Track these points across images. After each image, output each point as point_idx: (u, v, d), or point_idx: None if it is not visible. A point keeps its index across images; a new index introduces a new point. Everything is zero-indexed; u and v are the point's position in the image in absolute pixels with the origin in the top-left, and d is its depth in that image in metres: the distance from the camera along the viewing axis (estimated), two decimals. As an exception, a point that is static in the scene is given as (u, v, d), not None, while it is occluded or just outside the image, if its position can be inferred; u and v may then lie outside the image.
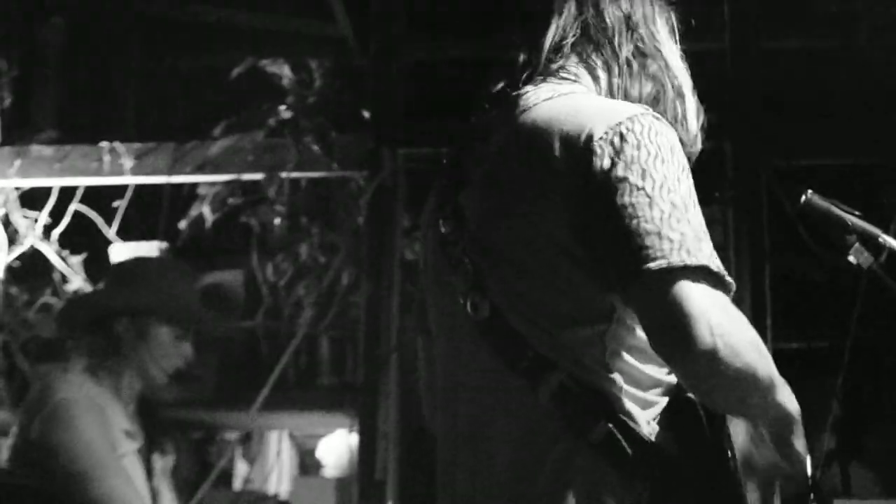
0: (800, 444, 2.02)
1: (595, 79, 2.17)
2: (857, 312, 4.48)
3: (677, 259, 1.84)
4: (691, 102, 2.21)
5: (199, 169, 5.12)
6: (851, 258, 2.50)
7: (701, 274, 1.85)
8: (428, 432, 2.40)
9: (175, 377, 3.80)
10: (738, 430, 2.08)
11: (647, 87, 2.17)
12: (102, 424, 3.55)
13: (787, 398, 1.97)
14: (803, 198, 2.43)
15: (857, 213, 2.45)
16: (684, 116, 2.19)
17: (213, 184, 5.15)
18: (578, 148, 1.95)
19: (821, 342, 4.59)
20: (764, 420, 2.00)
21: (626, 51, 2.17)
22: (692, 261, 1.85)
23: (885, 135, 4.75)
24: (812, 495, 3.97)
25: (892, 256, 2.49)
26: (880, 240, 2.47)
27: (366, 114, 5.00)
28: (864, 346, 4.71)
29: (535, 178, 2.00)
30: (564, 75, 2.16)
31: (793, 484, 2.07)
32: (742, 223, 4.60)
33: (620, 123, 1.96)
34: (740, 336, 1.85)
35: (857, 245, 2.47)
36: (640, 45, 2.19)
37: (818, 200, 2.44)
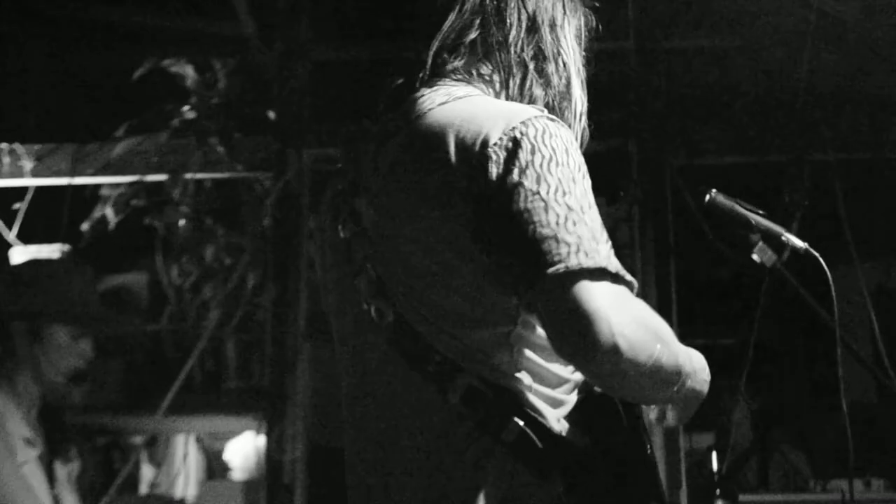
0: (694, 406, 2.08)
1: (490, 80, 2.16)
2: (761, 310, 4.54)
3: (574, 262, 1.84)
4: (581, 105, 2.20)
5: (102, 170, 5.07)
6: (755, 257, 2.53)
7: (600, 275, 1.85)
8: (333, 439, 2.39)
9: (76, 379, 3.75)
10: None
11: (544, 90, 2.16)
12: (1, 432, 3.49)
13: (697, 383, 2.00)
14: (707, 197, 2.45)
15: (760, 211, 2.48)
16: (577, 118, 2.19)
17: (116, 185, 5.10)
18: (474, 154, 1.94)
19: (725, 339, 4.64)
20: (672, 405, 2.06)
21: (525, 52, 2.16)
22: (589, 263, 1.85)
23: (787, 133, 4.80)
24: (718, 490, 4.03)
25: (795, 254, 2.52)
26: (783, 238, 2.50)
27: (271, 114, 4.97)
28: (767, 343, 4.78)
29: (433, 184, 1.98)
30: (460, 77, 2.14)
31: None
32: (647, 221, 4.64)
33: (514, 128, 1.95)
34: (640, 332, 1.85)
35: (760, 244, 2.50)
36: (541, 46, 2.17)
37: (722, 199, 2.46)
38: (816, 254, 2.47)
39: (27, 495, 3.44)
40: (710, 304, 4.94)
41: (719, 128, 4.85)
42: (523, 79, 2.15)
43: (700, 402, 2.05)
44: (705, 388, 2.02)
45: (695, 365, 2.00)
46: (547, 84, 2.16)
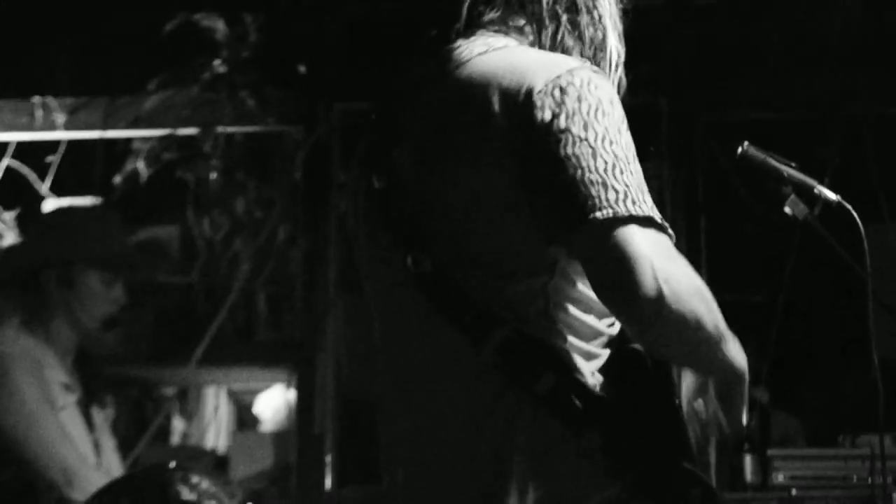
0: (742, 400, 2.04)
1: (524, 32, 2.16)
2: (791, 265, 4.54)
3: (623, 209, 1.86)
4: (617, 56, 2.20)
5: (134, 124, 5.08)
6: (787, 209, 2.52)
7: (646, 224, 1.87)
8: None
9: (109, 325, 3.78)
10: (686, 380, 2.11)
11: (577, 41, 2.16)
12: (39, 378, 3.53)
13: (734, 352, 1.99)
14: (740, 149, 2.45)
15: (792, 164, 2.48)
16: (613, 70, 2.18)
17: (147, 139, 5.11)
18: (518, 102, 1.95)
19: (756, 295, 4.63)
20: (710, 372, 2.03)
21: (558, 4, 2.15)
22: (637, 211, 1.86)
23: (818, 89, 4.78)
24: (746, 445, 4.04)
25: (827, 208, 2.52)
26: (815, 191, 2.49)
27: (301, 68, 4.97)
28: (798, 298, 4.78)
29: (475, 133, 1.99)
30: (496, 28, 2.14)
31: (728, 438, 2.10)
32: (677, 177, 4.63)
33: (560, 77, 1.95)
34: (685, 283, 1.87)
35: (792, 196, 2.50)
36: None
37: (755, 151, 2.46)
38: (849, 206, 2.46)
39: (66, 440, 3.47)
40: (740, 261, 4.94)
41: (750, 83, 4.83)
42: (556, 30, 2.14)
43: (741, 392, 2.03)
44: (739, 361, 2.01)
45: (735, 344, 2.00)
46: (580, 36, 2.15)
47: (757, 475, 4.05)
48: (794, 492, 3.89)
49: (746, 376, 2.03)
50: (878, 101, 4.81)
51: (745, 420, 2.06)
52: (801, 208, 2.50)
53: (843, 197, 2.51)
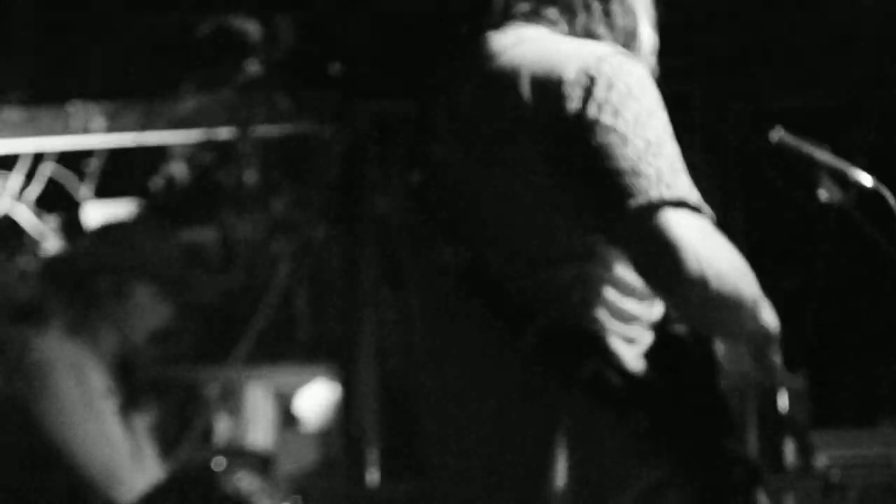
0: (776, 356, 2.08)
1: (556, 22, 2.16)
2: (826, 250, 4.53)
3: (656, 194, 1.87)
4: (650, 43, 2.21)
5: (170, 127, 5.11)
6: (822, 195, 2.52)
7: (681, 206, 1.88)
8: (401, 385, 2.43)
9: (154, 339, 3.80)
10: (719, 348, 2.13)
11: (609, 29, 2.16)
12: (81, 384, 3.54)
13: (768, 317, 2.03)
14: (774, 135, 2.45)
15: (826, 149, 2.48)
16: (646, 57, 2.19)
17: (185, 141, 5.14)
18: (549, 93, 1.96)
19: (792, 280, 4.63)
20: (750, 340, 2.06)
21: None
22: (670, 194, 1.87)
23: (850, 75, 4.77)
24: (788, 429, 4.03)
25: (863, 193, 2.52)
26: (850, 176, 2.49)
27: (335, 67, 4.99)
28: (835, 283, 4.77)
29: (509, 125, 2.00)
30: (526, 17, 2.15)
31: (762, 389, 2.13)
32: (711, 166, 4.63)
33: (589, 66, 1.96)
34: (726, 261, 1.89)
35: (827, 182, 2.50)
36: None
37: (788, 138, 2.46)
38: (884, 190, 2.47)
39: (109, 444, 3.50)
40: (776, 248, 4.93)
41: (782, 70, 4.82)
42: (587, 20, 2.15)
43: (774, 351, 2.07)
44: (773, 322, 2.04)
45: (767, 307, 2.03)
46: (612, 25, 2.16)
47: (798, 457, 4.05)
48: (835, 475, 3.89)
49: (778, 336, 2.06)
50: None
51: (779, 374, 2.10)
52: (835, 193, 2.50)
53: (877, 181, 2.51)
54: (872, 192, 2.51)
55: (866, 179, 2.49)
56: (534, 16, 2.15)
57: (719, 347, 2.12)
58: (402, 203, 2.24)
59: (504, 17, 2.15)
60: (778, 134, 2.45)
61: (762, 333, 2.03)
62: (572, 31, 2.15)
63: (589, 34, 2.14)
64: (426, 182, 2.14)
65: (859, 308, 5.14)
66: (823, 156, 2.47)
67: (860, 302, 5.13)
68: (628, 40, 2.17)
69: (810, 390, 4.39)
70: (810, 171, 2.48)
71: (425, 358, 2.20)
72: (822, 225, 4.46)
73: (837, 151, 2.51)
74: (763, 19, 4.86)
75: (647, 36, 2.21)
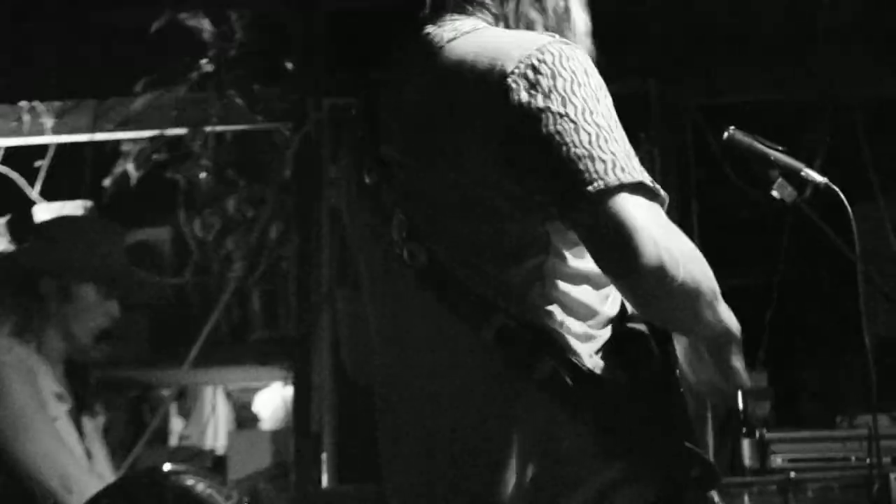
0: (737, 360, 2.04)
1: (488, 5, 2.14)
2: (785, 248, 4.53)
3: (613, 178, 1.86)
4: (583, 25, 2.20)
5: (122, 126, 5.06)
6: (775, 193, 2.52)
7: (637, 190, 1.87)
8: (356, 386, 2.41)
9: (102, 338, 3.77)
10: (678, 347, 2.11)
11: (540, 13, 2.15)
12: (31, 387, 3.52)
13: (727, 313, 2.00)
14: (726, 134, 2.44)
15: (780, 147, 2.47)
16: (581, 39, 2.18)
17: (136, 140, 5.10)
18: (493, 86, 1.95)
19: (749, 279, 4.63)
20: (705, 336, 2.02)
21: None
22: (627, 178, 1.87)
23: (808, 71, 4.77)
24: (743, 429, 4.03)
25: (816, 191, 2.51)
26: (803, 174, 2.49)
27: (289, 65, 4.96)
28: (791, 281, 4.77)
29: (455, 121, 1.99)
30: (458, 6, 2.13)
31: (725, 399, 2.11)
32: (668, 162, 4.62)
33: (530, 55, 1.96)
34: (682, 248, 1.88)
35: (780, 180, 2.49)
36: None
37: (741, 136, 2.45)
38: (836, 188, 2.46)
39: (63, 448, 3.47)
40: (732, 245, 4.93)
41: (739, 66, 4.81)
42: (517, 4, 2.14)
43: (734, 349, 2.03)
44: (732, 321, 2.01)
45: (724, 305, 2.00)
46: (543, 8, 2.15)
47: (755, 458, 4.05)
48: (792, 474, 3.89)
49: (738, 337, 2.02)
50: (868, 83, 4.79)
51: (742, 378, 2.06)
52: (788, 191, 2.49)
53: (833, 178, 2.51)
54: (825, 190, 2.50)
55: (817, 177, 2.49)
56: (466, 4, 2.14)
57: (679, 351, 2.10)
58: (356, 203, 2.21)
59: (438, 8, 2.14)
60: (729, 132, 2.44)
61: (722, 329, 2.00)
62: (503, 16, 2.14)
63: (521, 18, 2.14)
64: (378, 182, 2.12)
65: (816, 306, 5.14)
66: (776, 153, 2.46)
67: (816, 300, 5.13)
68: (560, 22, 2.16)
69: (769, 389, 4.39)
70: (764, 170, 2.47)
71: (380, 358, 2.18)
72: (780, 222, 4.46)
73: (795, 148, 2.50)
74: (720, 14, 4.85)
75: (580, 17, 2.20)
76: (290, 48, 4.95)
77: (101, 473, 3.65)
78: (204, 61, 4.99)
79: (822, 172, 2.54)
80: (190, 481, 3.21)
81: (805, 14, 4.74)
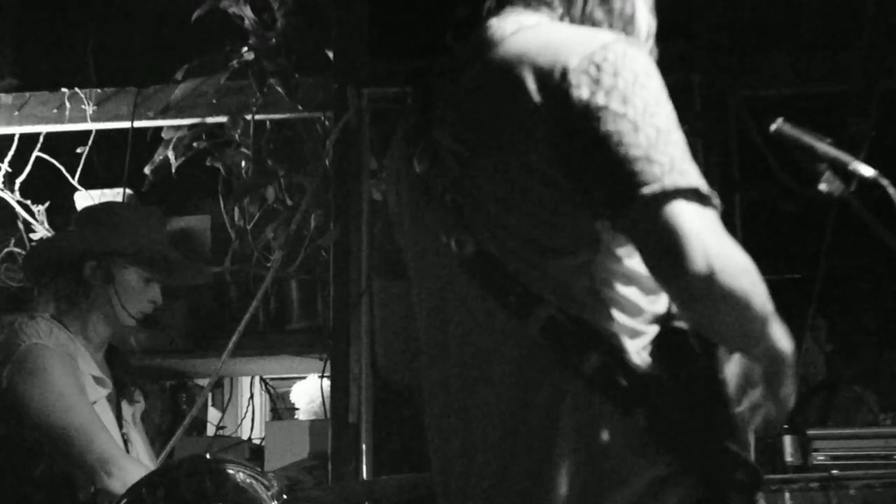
0: (789, 387, 2.03)
1: (554, 5, 2.14)
2: (828, 243, 4.49)
3: (669, 182, 1.85)
4: (648, 28, 2.19)
5: (163, 113, 5.08)
6: (822, 186, 2.48)
7: (692, 195, 1.85)
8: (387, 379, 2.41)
9: (143, 322, 3.78)
10: (731, 368, 2.07)
11: (605, 14, 2.15)
12: (73, 370, 3.53)
13: (779, 336, 1.98)
14: (774, 126, 2.41)
15: (827, 139, 2.44)
16: (644, 41, 2.17)
17: (177, 128, 5.10)
18: (554, 81, 1.95)
19: (792, 273, 4.59)
20: (757, 355, 2.00)
21: None
22: (683, 183, 1.85)
23: (852, 62, 4.73)
24: (786, 425, 3.99)
25: (863, 184, 2.47)
26: (851, 167, 2.45)
27: (329, 54, 4.95)
28: (836, 276, 4.73)
29: (513, 114, 1.99)
30: (525, 4, 2.14)
31: (773, 425, 2.08)
32: (711, 155, 4.59)
33: (594, 52, 1.95)
34: (734, 259, 1.85)
35: (827, 173, 2.45)
36: None
37: (789, 128, 2.42)
38: (885, 181, 2.42)
39: (103, 431, 3.47)
40: (776, 238, 4.89)
41: (783, 58, 4.78)
42: (584, 4, 2.14)
43: (787, 375, 2.02)
44: (785, 345, 1.99)
45: (780, 327, 1.97)
46: (610, 9, 2.15)
47: (797, 456, 4.02)
48: (834, 472, 3.85)
49: (792, 363, 2.01)
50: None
51: (790, 404, 2.05)
52: (836, 185, 2.45)
53: (879, 171, 2.47)
54: (873, 183, 2.46)
55: (867, 170, 2.44)
56: (533, 1, 2.13)
57: (729, 371, 2.08)
58: (406, 191, 2.22)
59: (502, 2, 2.14)
60: (777, 124, 2.41)
61: (773, 350, 1.98)
62: (570, 16, 2.14)
63: (587, 19, 2.14)
64: (429, 170, 2.12)
65: (861, 300, 5.10)
66: (824, 146, 2.42)
67: (860, 295, 5.09)
68: (626, 25, 2.16)
69: (816, 388, 4.36)
70: (811, 163, 2.43)
71: (426, 348, 2.18)
72: (824, 215, 4.43)
73: (838, 141, 2.47)
74: (764, 6, 4.82)
75: (646, 20, 2.19)
76: (331, 37, 4.94)
77: (140, 459, 3.66)
78: (244, 49, 4.97)
79: (866, 164, 2.50)
80: (230, 470, 3.21)
81: (849, 3, 4.70)
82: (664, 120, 1.91)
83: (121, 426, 3.70)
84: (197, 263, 4.24)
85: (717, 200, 1.89)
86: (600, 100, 1.91)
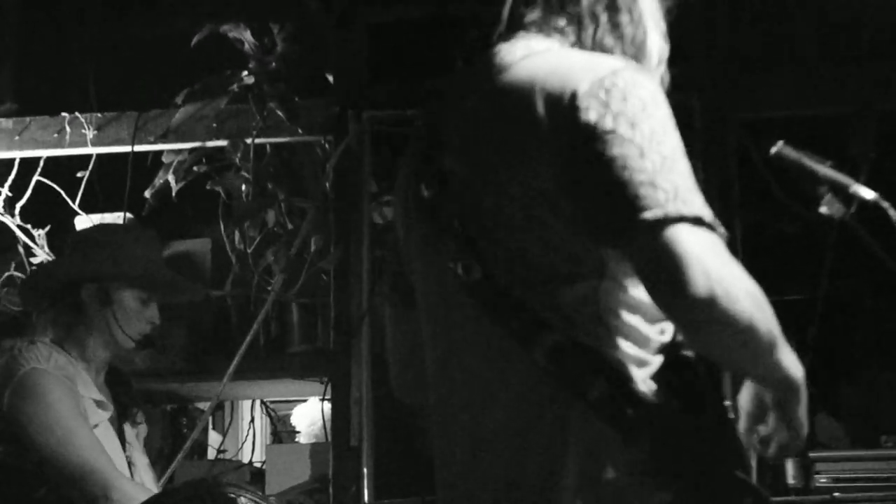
0: (801, 412, 2.02)
1: (565, 32, 2.14)
2: (829, 264, 4.49)
3: (673, 209, 1.84)
4: (659, 55, 2.19)
5: (163, 137, 5.09)
6: (823, 209, 2.48)
7: (696, 223, 1.85)
8: (395, 401, 2.40)
9: (143, 344, 3.77)
10: (744, 394, 2.09)
11: (617, 41, 2.15)
12: (73, 394, 3.52)
13: (789, 360, 1.96)
14: (774, 148, 2.41)
15: (828, 162, 2.44)
16: (655, 68, 2.18)
17: (177, 152, 5.10)
18: (563, 105, 1.95)
19: (793, 295, 4.58)
20: (766, 381, 2.00)
21: (598, 3, 2.15)
22: (687, 210, 1.85)
23: (852, 84, 4.74)
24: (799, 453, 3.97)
25: (864, 207, 2.47)
26: (851, 190, 2.45)
27: (329, 77, 4.96)
28: (836, 298, 4.72)
29: (520, 138, 1.99)
30: (536, 30, 2.14)
31: (788, 451, 2.08)
32: (711, 177, 4.59)
33: (604, 78, 1.95)
34: (738, 284, 1.84)
35: (828, 196, 2.45)
36: None
37: (789, 151, 2.42)
38: (886, 204, 2.42)
39: (104, 455, 3.47)
40: (777, 260, 4.89)
41: (783, 80, 4.79)
42: (595, 30, 2.14)
43: (798, 402, 2.00)
44: (795, 370, 1.97)
45: (790, 353, 1.96)
46: (621, 36, 2.15)
47: (799, 478, 4.01)
48: (836, 494, 3.85)
49: (803, 388, 2.00)
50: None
51: (804, 430, 2.04)
52: (837, 207, 2.45)
53: (880, 193, 2.47)
54: (874, 206, 2.46)
55: (868, 193, 2.44)
56: (543, 26, 2.15)
57: (741, 398, 2.08)
58: (413, 216, 2.21)
59: (513, 27, 2.15)
60: (778, 147, 2.41)
61: (783, 376, 1.97)
62: (581, 42, 2.14)
63: (598, 45, 2.14)
64: (437, 195, 2.12)
65: (860, 323, 5.10)
66: (824, 169, 2.42)
67: (860, 317, 5.08)
68: (637, 51, 2.16)
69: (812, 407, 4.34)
70: (811, 186, 2.43)
71: (432, 372, 2.18)
72: (824, 238, 4.42)
73: (839, 163, 2.47)
74: (764, 28, 4.83)
75: (657, 46, 2.19)
76: (331, 60, 4.94)
77: (143, 482, 3.66)
78: (244, 73, 4.98)
79: (867, 187, 2.50)
80: (231, 494, 3.20)
81: (849, 26, 4.71)
82: (670, 148, 1.91)
83: (124, 448, 3.69)
84: (192, 283, 4.24)
85: (721, 230, 1.88)
86: (608, 123, 1.91)
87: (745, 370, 2.00)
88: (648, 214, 1.84)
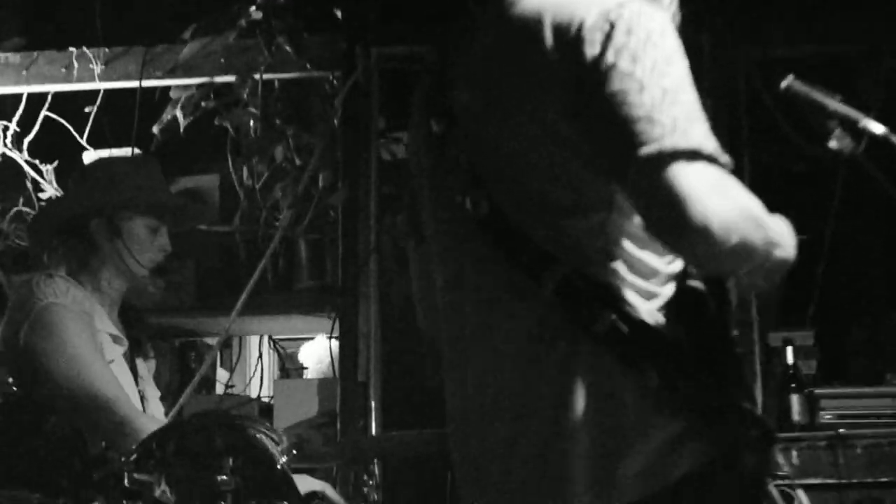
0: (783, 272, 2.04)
1: None
2: (837, 203, 4.49)
3: (669, 143, 1.84)
4: None
5: (171, 73, 5.07)
6: (832, 144, 2.47)
7: (694, 156, 1.85)
8: (402, 335, 2.42)
9: (157, 272, 3.77)
10: None
11: None
12: (90, 329, 3.54)
13: (785, 252, 2.00)
14: (784, 82, 2.40)
15: (838, 96, 2.43)
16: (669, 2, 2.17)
17: (185, 87, 5.09)
18: (569, 37, 1.94)
19: (801, 233, 4.58)
20: (762, 274, 2.02)
21: None
22: (683, 143, 1.85)
23: (861, 21, 4.71)
24: (793, 384, 4.00)
25: (874, 143, 2.47)
26: (861, 124, 2.44)
27: (338, 13, 4.93)
28: (844, 236, 4.72)
29: (529, 70, 1.99)
30: None
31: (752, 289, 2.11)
32: (720, 115, 4.57)
33: (609, 11, 1.95)
34: (735, 212, 1.85)
35: (838, 130, 2.45)
36: None
37: (799, 85, 2.41)
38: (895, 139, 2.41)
39: (119, 388, 3.48)
40: (785, 198, 4.87)
41: (792, 18, 4.76)
42: None
43: (784, 269, 2.03)
44: (792, 252, 2.02)
45: (784, 235, 2.01)
46: None
47: (804, 414, 4.03)
48: (841, 430, 3.87)
49: (793, 255, 2.03)
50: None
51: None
52: (846, 142, 2.44)
53: (889, 130, 2.46)
54: (883, 142, 2.46)
55: (877, 127, 2.44)
56: None
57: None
58: (423, 151, 2.22)
59: None
60: (788, 82, 2.40)
61: (779, 265, 2.00)
62: None
63: None
64: (446, 131, 2.12)
65: (867, 261, 5.09)
66: (834, 103, 2.41)
67: (870, 255, 5.08)
68: None
69: (819, 345, 4.36)
70: (821, 121, 2.42)
71: (444, 308, 2.19)
72: (833, 175, 4.42)
73: (849, 100, 2.46)
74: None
75: None
76: (340, -5, 4.92)
77: (155, 415, 3.67)
78: (252, 8, 4.95)
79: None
80: (241, 426, 3.22)
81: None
82: (673, 80, 1.91)
83: (137, 383, 3.71)
84: (202, 209, 4.24)
85: (724, 158, 1.89)
86: (609, 58, 1.91)
87: (749, 272, 2.01)
88: (643, 151, 1.85)
